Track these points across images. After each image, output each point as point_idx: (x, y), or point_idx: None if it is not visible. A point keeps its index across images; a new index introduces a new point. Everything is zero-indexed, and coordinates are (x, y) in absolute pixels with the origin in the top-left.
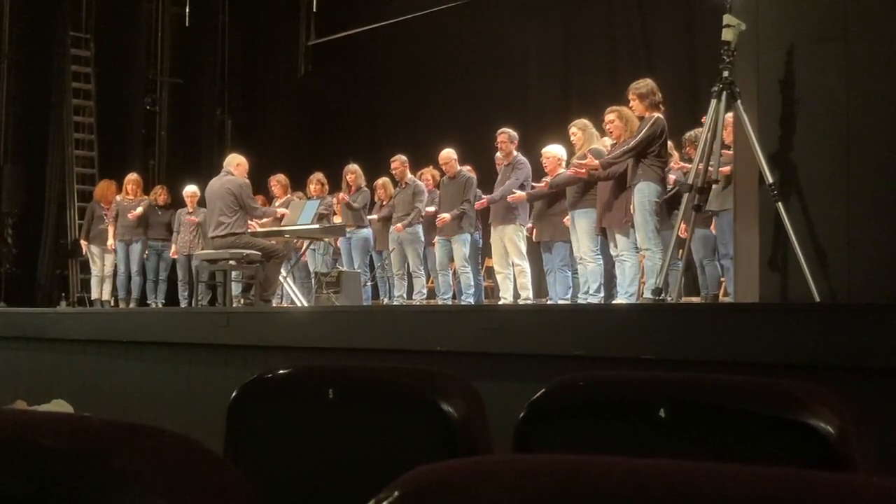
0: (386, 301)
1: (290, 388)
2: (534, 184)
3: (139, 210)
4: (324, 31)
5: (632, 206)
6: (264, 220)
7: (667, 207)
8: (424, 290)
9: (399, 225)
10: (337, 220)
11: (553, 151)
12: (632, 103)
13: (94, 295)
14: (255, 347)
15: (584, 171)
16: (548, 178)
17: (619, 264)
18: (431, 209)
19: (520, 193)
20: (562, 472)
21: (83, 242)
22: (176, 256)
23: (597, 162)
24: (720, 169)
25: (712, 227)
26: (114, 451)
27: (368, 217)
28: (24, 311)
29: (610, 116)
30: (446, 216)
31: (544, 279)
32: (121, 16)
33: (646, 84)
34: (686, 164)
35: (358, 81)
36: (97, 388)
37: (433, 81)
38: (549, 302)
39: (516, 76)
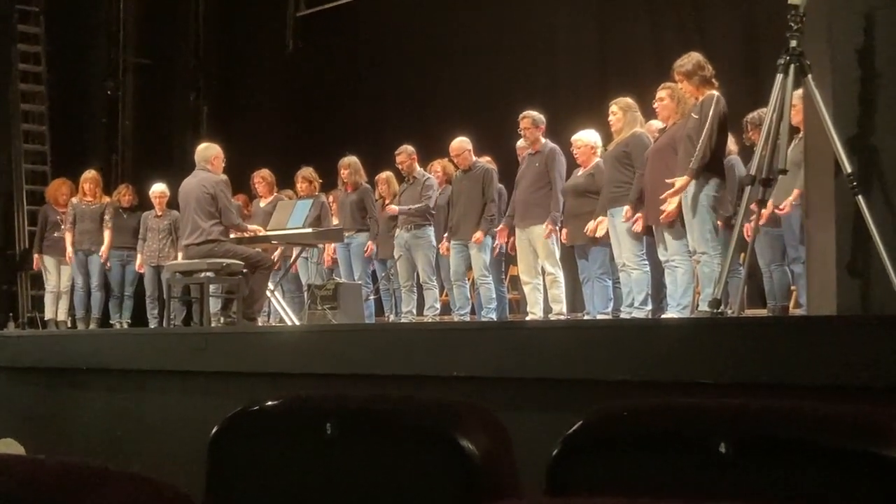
0: (392, 318)
1: (280, 421)
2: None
3: (107, 217)
4: (315, 0)
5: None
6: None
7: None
8: (437, 305)
9: (394, 207)
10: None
11: (585, 139)
12: (680, 84)
13: (48, 314)
14: (238, 374)
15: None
16: (579, 171)
17: (669, 271)
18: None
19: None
20: None
21: (36, 255)
22: (142, 269)
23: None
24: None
25: (780, 225)
26: (77, 499)
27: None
28: None
29: (661, 94)
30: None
31: (580, 290)
32: None
33: (690, 59)
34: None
35: (356, 59)
36: (53, 424)
37: (445, 58)
38: (586, 317)
39: (544, 51)
